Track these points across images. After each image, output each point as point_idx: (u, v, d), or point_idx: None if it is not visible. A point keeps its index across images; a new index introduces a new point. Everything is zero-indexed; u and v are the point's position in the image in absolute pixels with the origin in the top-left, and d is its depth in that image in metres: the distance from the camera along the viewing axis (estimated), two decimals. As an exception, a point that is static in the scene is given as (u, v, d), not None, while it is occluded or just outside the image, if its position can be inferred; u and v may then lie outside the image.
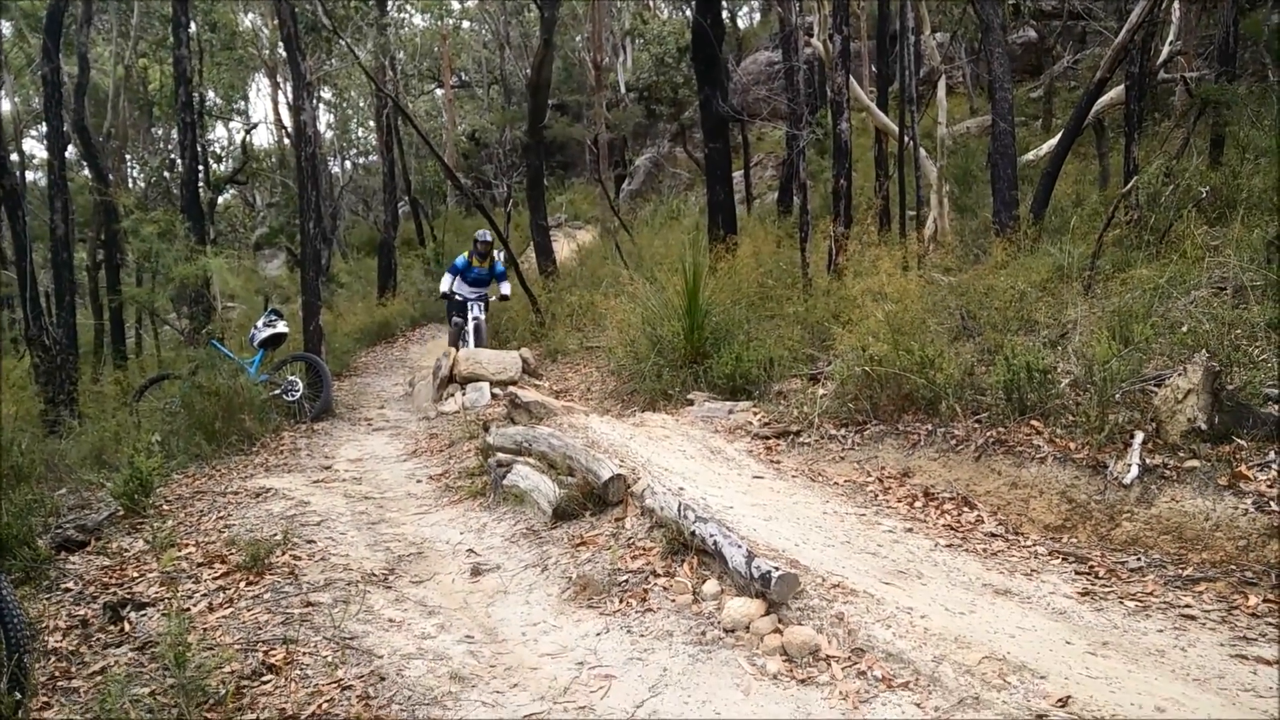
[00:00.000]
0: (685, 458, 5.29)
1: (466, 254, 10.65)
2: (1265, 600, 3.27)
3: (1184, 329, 4.88)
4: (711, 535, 3.61)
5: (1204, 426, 4.01)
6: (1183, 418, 4.07)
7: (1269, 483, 3.67)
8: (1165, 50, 9.32)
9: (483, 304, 10.69)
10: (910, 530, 4.24)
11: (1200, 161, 7.70)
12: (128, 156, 20.11)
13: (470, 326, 10.44)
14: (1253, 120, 8.17)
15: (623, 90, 25.11)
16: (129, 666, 3.33)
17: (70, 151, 15.64)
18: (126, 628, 3.69)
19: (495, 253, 10.94)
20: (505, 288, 10.79)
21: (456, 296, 10.58)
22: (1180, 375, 4.14)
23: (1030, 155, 11.00)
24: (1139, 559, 3.74)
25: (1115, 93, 9.21)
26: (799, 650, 2.98)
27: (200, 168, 16.35)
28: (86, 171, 16.83)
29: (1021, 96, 14.25)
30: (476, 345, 10.20)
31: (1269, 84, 9.67)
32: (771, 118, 16.27)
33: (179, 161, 15.38)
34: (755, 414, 6.17)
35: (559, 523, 4.59)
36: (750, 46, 24.18)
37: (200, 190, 14.46)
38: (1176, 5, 9.52)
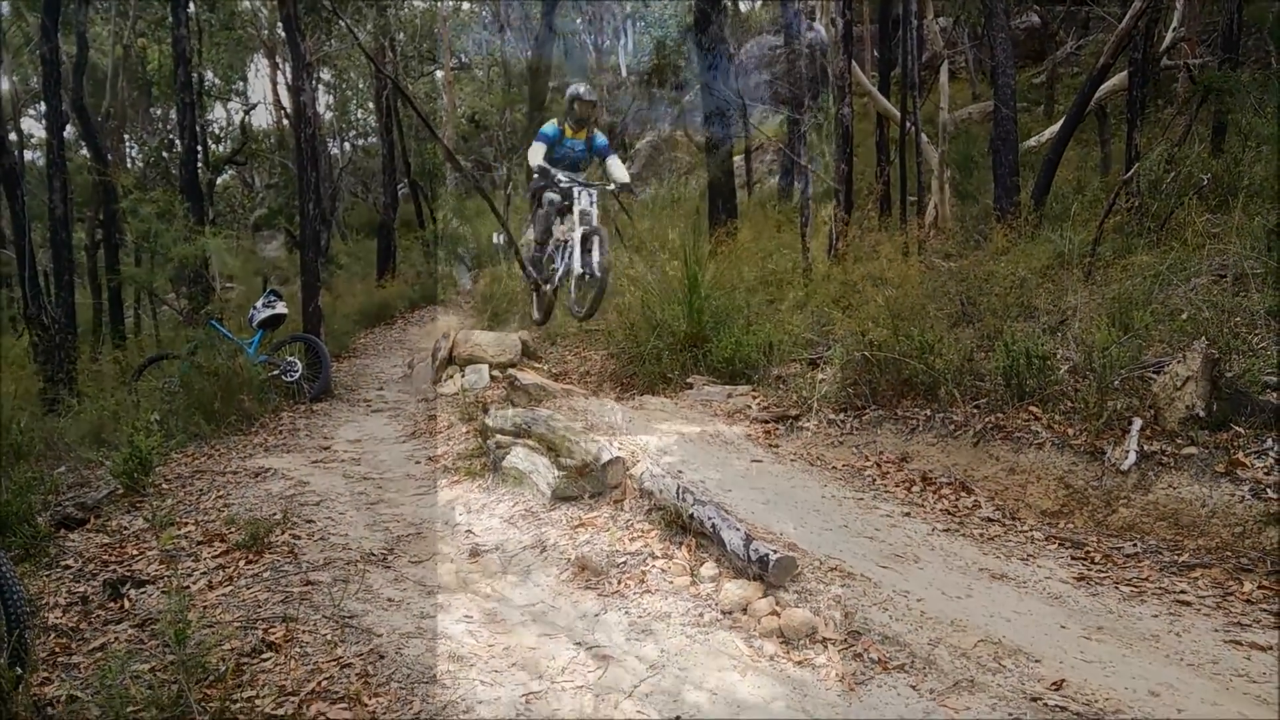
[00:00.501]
0: (684, 441, 5.29)
1: (556, 121, 6.94)
2: (1260, 587, 3.29)
3: (1184, 316, 4.88)
4: (710, 518, 3.62)
5: (1202, 414, 4.02)
6: (1181, 405, 4.08)
7: (1266, 470, 3.69)
8: (1168, 36, 9.26)
9: (592, 194, 6.72)
10: (908, 515, 4.26)
11: (1202, 149, 7.67)
12: (126, 136, 19.98)
13: (578, 233, 6.53)
14: (1255, 108, 8.13)
15: (623, 73, 24.96)
16: (129, 643, 3.34)
17: (69, 131, 15.55)
18: (126, 605, 3.71)
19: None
20: (620, 170, 6.89)
21: (556, 176, 6.67)
22: (1179, 362, 4.15)
23: (1032, 141, 10.94)
24: (1135, 545, 3.76)
25: (1118, 79, 9.16)
26: (796, 632, 2.99)
27: (199, 148, 16.26)
28: (85, 151, 16.74)
29: (1024, 82, 14.15)
30: (585, 267, 6.44)
31: (1272, 71, 9.62)
32: (773, 102, 16.19)
33: (178, 142, 15.33)
34: (754, 398, 6.18)
35: (557, 504, 4.61)
36: (752, 30, 24.02)
37: (199, 171, 14.37)
38: (1180, -9, 9.46)
